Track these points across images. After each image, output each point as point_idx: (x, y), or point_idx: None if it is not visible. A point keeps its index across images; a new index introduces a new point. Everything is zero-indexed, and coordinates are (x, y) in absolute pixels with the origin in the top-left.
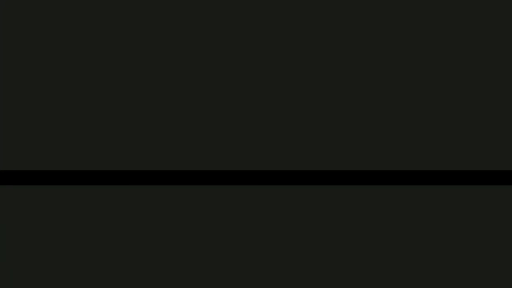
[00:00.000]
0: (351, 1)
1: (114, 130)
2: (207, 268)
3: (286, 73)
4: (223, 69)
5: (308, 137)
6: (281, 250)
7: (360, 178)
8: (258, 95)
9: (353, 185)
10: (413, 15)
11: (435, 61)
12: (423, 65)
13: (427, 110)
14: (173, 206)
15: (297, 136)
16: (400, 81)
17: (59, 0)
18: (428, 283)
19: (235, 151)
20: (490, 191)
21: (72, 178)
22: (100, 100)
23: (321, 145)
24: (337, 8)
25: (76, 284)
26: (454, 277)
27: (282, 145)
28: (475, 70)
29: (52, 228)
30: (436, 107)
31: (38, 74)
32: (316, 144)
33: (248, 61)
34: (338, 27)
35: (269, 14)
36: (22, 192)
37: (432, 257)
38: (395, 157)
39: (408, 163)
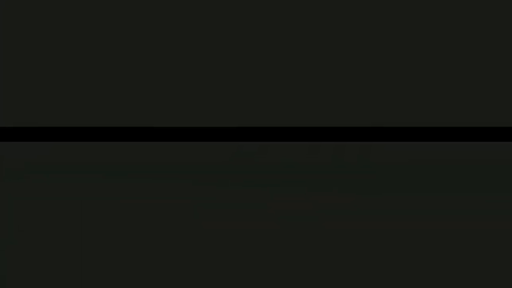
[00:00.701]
0: None
1: (110, 88)
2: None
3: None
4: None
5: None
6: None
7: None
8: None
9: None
10: None
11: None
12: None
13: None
14: (170, 161)
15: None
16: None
17: None
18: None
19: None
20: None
21: (70, 135)
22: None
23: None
24: None
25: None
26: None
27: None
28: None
29: (51, 182)
30: (441, 67)
31: (37, 37)
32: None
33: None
34: None
35: None
36: (22, 147)
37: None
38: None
39: (412, 120)
